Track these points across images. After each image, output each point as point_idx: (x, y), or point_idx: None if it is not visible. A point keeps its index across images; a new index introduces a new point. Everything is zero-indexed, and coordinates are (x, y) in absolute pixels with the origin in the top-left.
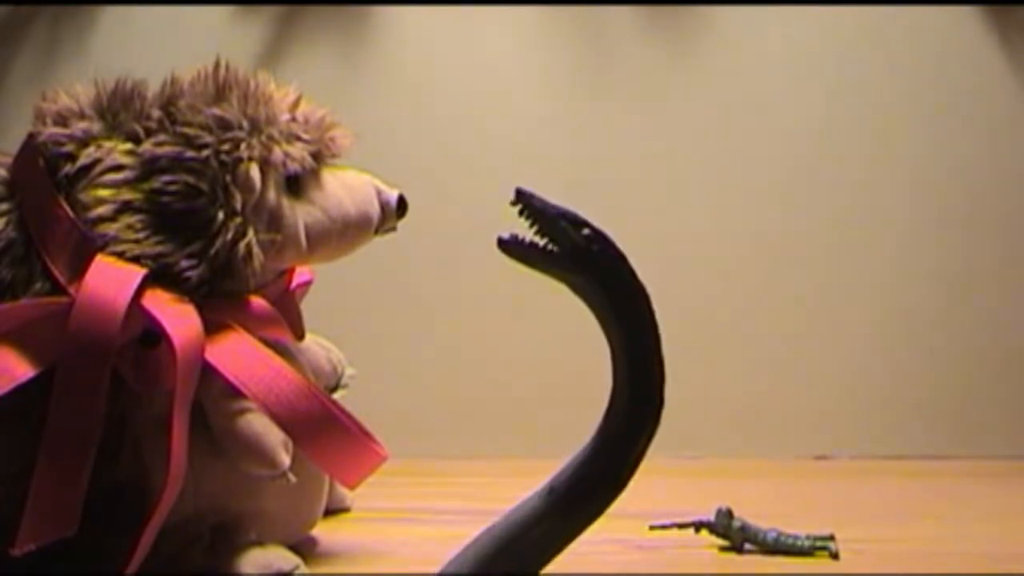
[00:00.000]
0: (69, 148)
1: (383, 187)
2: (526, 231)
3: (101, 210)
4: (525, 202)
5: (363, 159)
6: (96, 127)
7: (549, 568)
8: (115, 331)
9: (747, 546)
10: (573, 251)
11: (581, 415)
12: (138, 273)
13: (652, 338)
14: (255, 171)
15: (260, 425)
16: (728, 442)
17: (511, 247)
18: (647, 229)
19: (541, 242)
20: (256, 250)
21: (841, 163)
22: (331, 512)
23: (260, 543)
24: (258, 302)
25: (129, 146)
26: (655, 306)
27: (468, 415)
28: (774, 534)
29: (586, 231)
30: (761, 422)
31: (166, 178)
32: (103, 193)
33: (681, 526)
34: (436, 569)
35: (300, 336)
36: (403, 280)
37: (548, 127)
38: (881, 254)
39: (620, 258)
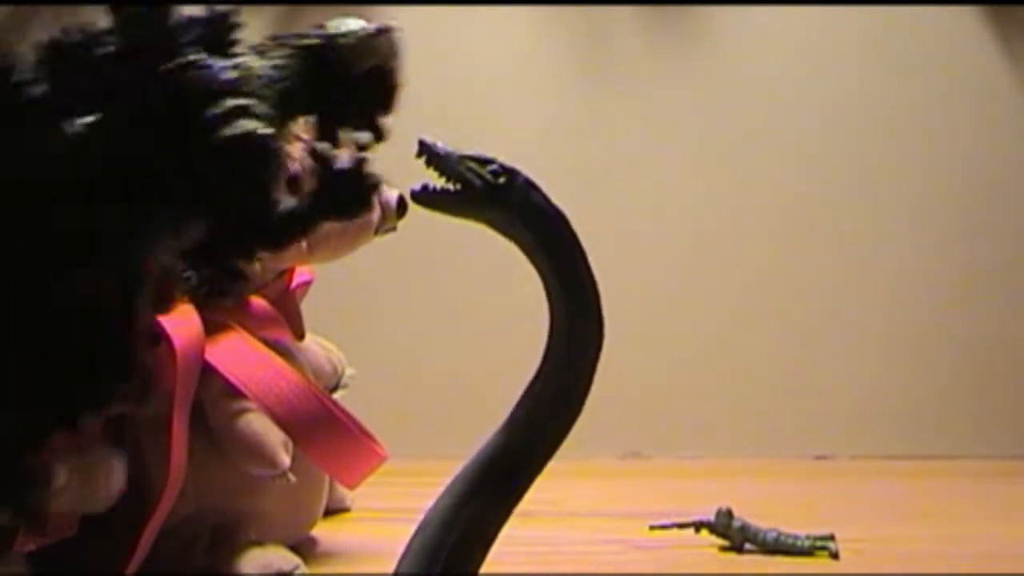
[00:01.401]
0: None
1: (383, 187)
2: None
3: None
4: (429, 152)
5: None
6: None
7: (549, 568)
8: None
9: (747, 546)
10: (483, 189)
11: (582, 415)
12: None
13: (578, 254)
14: None
15: (260, 425)
16: (728, 442)
17: (422, 197)
18: (647, 228)
19: (453, 187)
20: None
21: (841, 163)
22: (331, 512)
23: (260, 543)
24: (258, 302)
25: None
26: (656, 306)
27: (468, 415)
28: (774, 534)
29: (493, 166)
30: (761, 422)
31: None
32: None
33: (681, 526)
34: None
35: (300, 336)
36: (403, 280)
37: (549, 127)
38: (881, 254)
39: (531, 186)
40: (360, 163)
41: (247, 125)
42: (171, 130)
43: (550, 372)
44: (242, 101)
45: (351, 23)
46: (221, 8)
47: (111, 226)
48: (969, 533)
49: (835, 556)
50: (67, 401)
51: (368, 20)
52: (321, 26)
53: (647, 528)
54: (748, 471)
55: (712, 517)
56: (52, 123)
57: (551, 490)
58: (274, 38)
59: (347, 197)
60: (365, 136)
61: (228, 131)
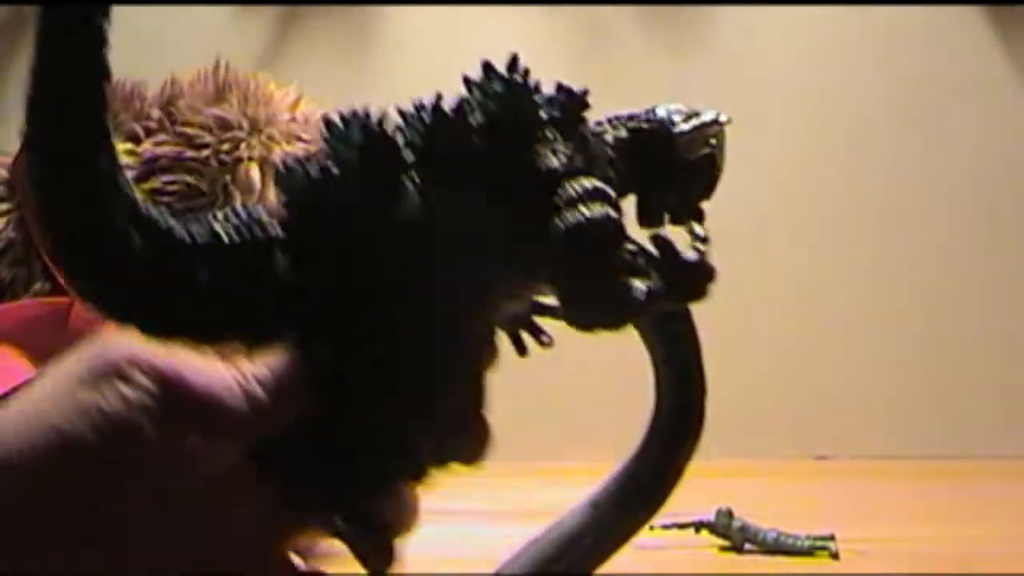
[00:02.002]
0: None
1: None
2: None
3: None
4: None
5: None
6: None
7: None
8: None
9: (747, 546)
10: None
11: (581, 418)
12: None
13: (694, 353)
14: (255, 171)
15: None
16: (728, 442)
17: None
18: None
19: None
20: None
21: (841, 163)
22: None
23: None
24: None
25: (129, 146)
26: None
27: None
28: (774, 534)
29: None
30: (761, 422)
31: (166, 178)
32: None
33: (681, 526)
34: (436, 570)
35: None
36: None
37: None
38: (881, 254)
39: None
40: (704, 256)
41: (601, 209)
42: (526, 205)
43: (642, 464)
44: (596, 184)
45: (683, 110)
46: (574, 87)
47: (467, 286)
48: (969, 533)
49: (835, 556)
50: (410, 450)
51: (368, 22)
52: (650, 110)
53: (647, 528)
54: (748, 471)
55: (712, 517)
56: (424, 188)
57: (552, 490)
58: (610, 120)
59: (690, 287)
60: (698, 228)
61: (583, 213)
